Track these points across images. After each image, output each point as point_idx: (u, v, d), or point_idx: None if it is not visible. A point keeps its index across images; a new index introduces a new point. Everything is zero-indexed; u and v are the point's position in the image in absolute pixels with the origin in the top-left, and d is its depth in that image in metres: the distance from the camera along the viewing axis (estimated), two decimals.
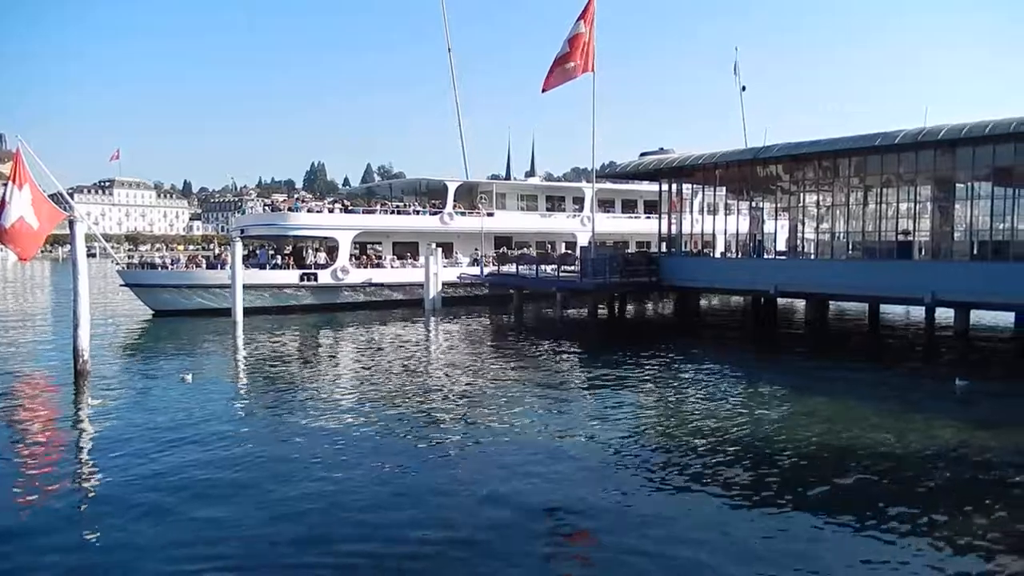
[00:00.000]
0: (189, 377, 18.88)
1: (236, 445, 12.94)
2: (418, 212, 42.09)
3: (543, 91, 32.02)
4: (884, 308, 30.89)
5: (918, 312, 28.27)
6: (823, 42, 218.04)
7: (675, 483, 11.07)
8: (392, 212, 41.49)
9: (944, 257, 25.24)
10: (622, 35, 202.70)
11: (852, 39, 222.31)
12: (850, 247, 30.65)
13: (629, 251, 40.84)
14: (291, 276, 36.72)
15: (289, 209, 40.55)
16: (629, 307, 35.91)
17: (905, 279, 24.64)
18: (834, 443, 12.98)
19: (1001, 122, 21.95)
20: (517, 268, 36.28)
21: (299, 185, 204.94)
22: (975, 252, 25.48)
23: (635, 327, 32.84)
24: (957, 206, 28.04)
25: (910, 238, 27.68)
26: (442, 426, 14.52)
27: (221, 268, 35.76)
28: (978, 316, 26.30)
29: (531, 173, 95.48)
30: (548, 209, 47.57)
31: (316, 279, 36.94)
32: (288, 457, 12.27)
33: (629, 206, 50.00)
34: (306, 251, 40.75)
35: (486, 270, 37.95)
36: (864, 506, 9.90)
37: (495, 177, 64.81)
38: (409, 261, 40.35)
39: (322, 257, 38.86)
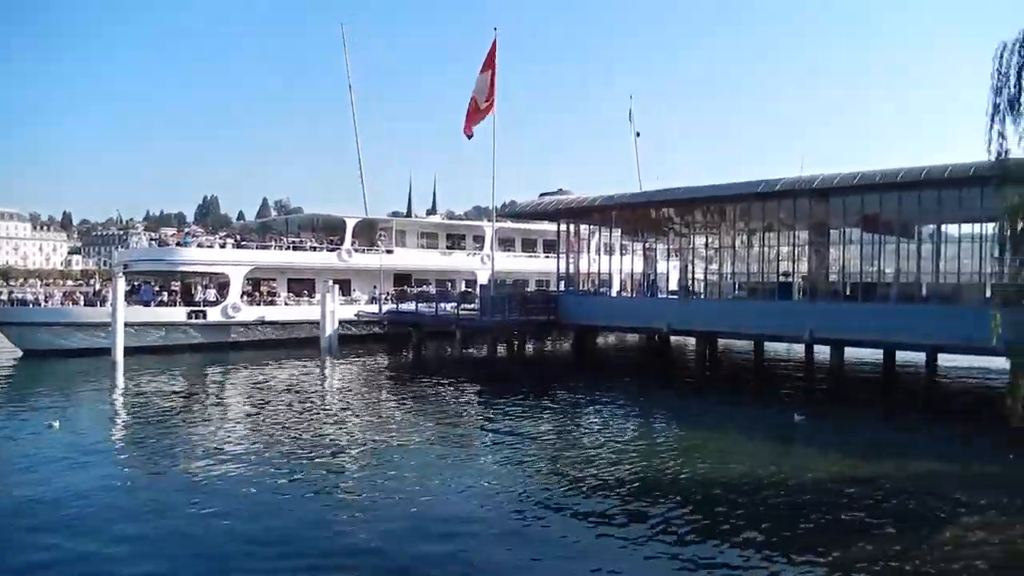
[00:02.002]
0: (56, 424, 17.53)
1: (100, 498, 12.05)
2: (315, 248, 41.20)
3: (468, 136, 32.52)
4: (768, 345, 32.42)
5: (799, 348, 29.81)
6: (716, 90, 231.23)
7: (573, 523, 11.11)
8: (288, 248, 40.44)
9: (820, 297, 26.78)
10: (525, 77, 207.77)
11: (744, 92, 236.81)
12: (736, 287, 32.17)
13: (529, 290, 41.30)
14: (178, 313, 34.99)
15: (178, 244, 38.82)
16: (528, 345, 36.19)
17: (786, 318, 25.95)
18: (704, 475, 13.47)
19: (867, 174, 23.70)
20: (416, 306, 35.96)
21: (190, 219, 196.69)
22: (847, 293, 27.20)
23: (534, 365, 33.10)
24: (831, 250, 29.99)
25: (790, 279, 29.32)
26: (335, 469, 14.05)
27: (101, 305, 33.70)
28: (860, 353, 27.99)
29: (432, 211, 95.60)
30: (449, 247, 47.60)
31: (205, 316, 35.34)
32: (156, 507, 11.53)
33: (529, 245, 50.73)
34: (195, 287, 39.01)
35: (385, 308, 37.43)
36: (710, 528, 10.35)
37: (396, 214, 64.33)
38: (305, 298, 39.29)
39: (212, 294, 37.28)
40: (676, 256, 39.37)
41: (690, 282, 35.86)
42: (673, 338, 32.23)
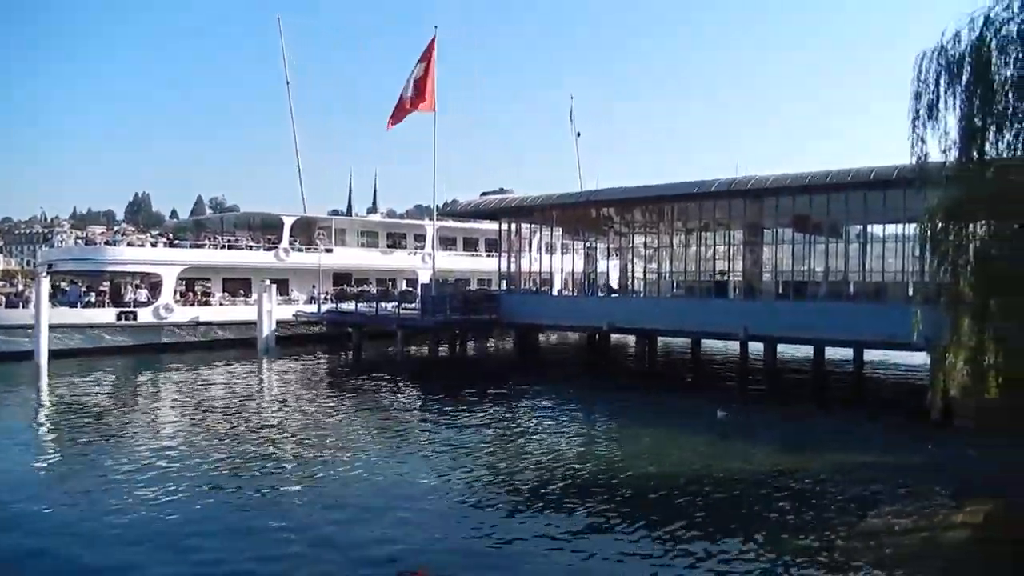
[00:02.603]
0: None
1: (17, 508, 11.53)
2: (251, 247, 40.26)
3: (388, 128, 32.48)
4: (706, 342, 33.11)
5: (736, 345, 30.53)
6: (659, 90, 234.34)
7: (509, 518, 11.13)
8: (223, 247, 39.40)
9: (754, 296, 27.50)
10: (467, 76, 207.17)
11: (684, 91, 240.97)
12: (674, 286, 32.78)
13: (470, 289, 41.25)
14: (107, 315, 33.69)
15: (107, 243, 37.41)
16: (470, 344, 36.13)
17: (722, 316, 26.56)
18: (639, 470, 13.70)
19: (798, 176, 24.46)
20: (356, 305, 35.52)
21: (120, 217, 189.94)
22: (780, 291, 28.01)
23: (476, 364, 33.07)
24: (765, 249, 30.86)
25: (726, 278, 30.04)
26: (272, 472, 13.78)
27: (24, 306, 32.22)
28: (793, 350, 28.83)
29: (373, 209, 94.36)
30: (389, 246, 47.16)
31: (135, 318, 34.14)
32: (86, 518, 11.09)
33: (471, 244, 50.63)
34: (125, 288, 37.65)
35: (324, 308, 36.86)
36: (628, 521, 10.53)
37: (335, 213, 63.46)
38: (241, 298, 38.36)
39: (144, 294, 36.05)
40: (616, 255, 39.86)
41: (630, 281, 36.44)
42: (614, 336, 32.63)
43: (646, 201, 30.24)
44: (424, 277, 40.91)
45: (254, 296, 36.46)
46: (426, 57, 32.32)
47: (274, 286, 36.15)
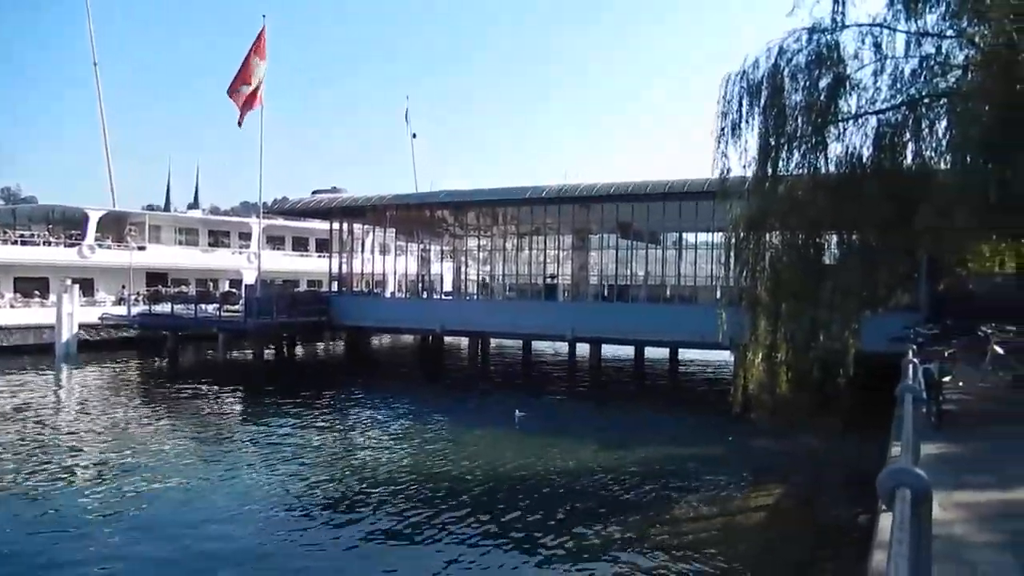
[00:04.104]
0: None
1: None
2: (49, 243, 36.35)
3: (240, 125, 30.88)
4: (537, 343, 34.05)
5: (564, 347, 31.65)
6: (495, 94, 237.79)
7: (339, 526, 10.81)
8: (15, 242, 35.25)
9: (581, 298, 28.71)
10: (303, 71, 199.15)
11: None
12: (507, 289, 33.50)
13: (299, 290, 39.80)
14: None
15: None
16: (299, 348, 34.81)
17: (551, 318, 27.49)
18: (464, 470, 13.90)
19: (621, 184, 25.83)
20: (173, 308, 33.04)
21: None
22: (605, 294, 29.44)
23: (305, 368, 31.92)
24: (592, 254, 32.32)
25: (555, 281, 31.12)
26: (71, 494, 12.44)
27: None
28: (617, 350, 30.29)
29: (195, 205, 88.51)
30: (211, 244, 44.45)
31: None
32: None
33: (301, 244, 48.89)
34: None
35: (135, 310, 33.97)
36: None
37: (151, 208, 58.92)
38: (37, 300, 34.51)
39: None
40: (451, 258, 40.09)
41: (463, 283, 36.78)
42: (448, 338, 32.75)
43: (480, 204, 30.67)
44: (249, 278, 38.93)
45: (53, 297, 32.95)
46: (255, 49, 30.94)
47: (76, 286, 32.87)
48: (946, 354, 11.22)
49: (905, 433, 4.41)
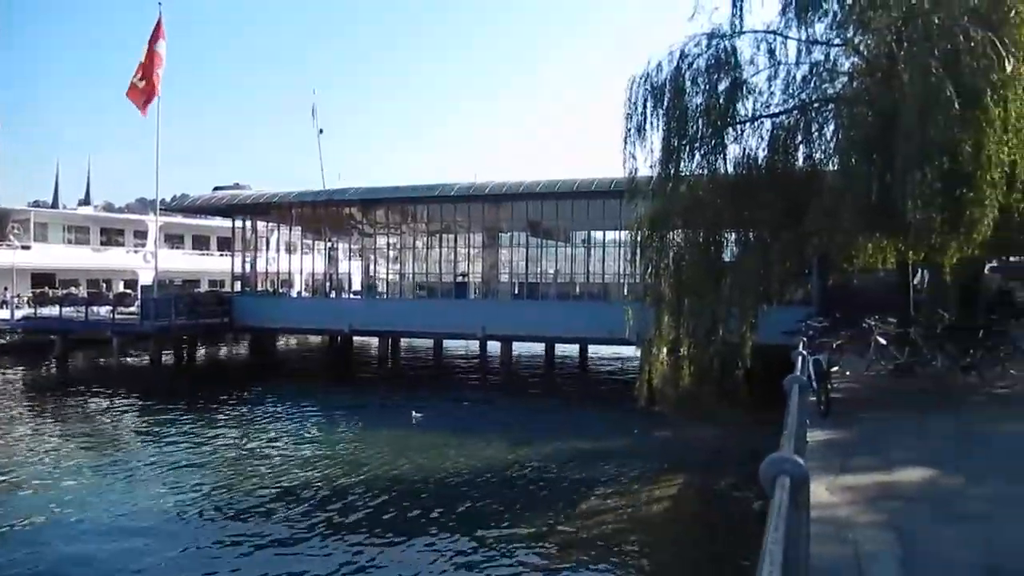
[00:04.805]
0: None
1: None
2: None
3: (143, 114, 29.36)
4: (448, 342, 33.87)
5: (476, 345, 31.63)
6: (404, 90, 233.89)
7: (235, 535, 10.44)
8: None
9: (492, 296, 28.78)
10: (207, 63, 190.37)
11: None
12: (417, 287, 33.20)
13: (199, 290, 38.21)
14: None
15: None
16: (200, 351, 33.41)
17: (462, 316, 27.40)
18: (371, 472, 13.76)
19: (530, 183, 26.05)
20: (61, 310, 31.07)
21: None
22: (516, 292, 29.61)
23: (206, 372, 30.66)
24: (503, 252, 32.44)
25: (466, 279, 31.05)
26: None
27: None
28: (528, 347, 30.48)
29: (86, 202, 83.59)
30: (104, 243, 42.10)
31: None
32: None
33: (202, 243, 46.96)
34: None
35: (19, 313, 31.76)
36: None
37: (37, 204, 55.22)
38: None
39: None
40: (360, 256, 39.37)
41: (373, 282, 36.21)
42: (357, 338, 32.15)
43: (389, 202, 30.26)
44: (146, 278, 37.04)
45: None
46: (153, 38, 29.55)
47: None
48: (834, 345, 11.85)
49: (790, 422, 4.60)
